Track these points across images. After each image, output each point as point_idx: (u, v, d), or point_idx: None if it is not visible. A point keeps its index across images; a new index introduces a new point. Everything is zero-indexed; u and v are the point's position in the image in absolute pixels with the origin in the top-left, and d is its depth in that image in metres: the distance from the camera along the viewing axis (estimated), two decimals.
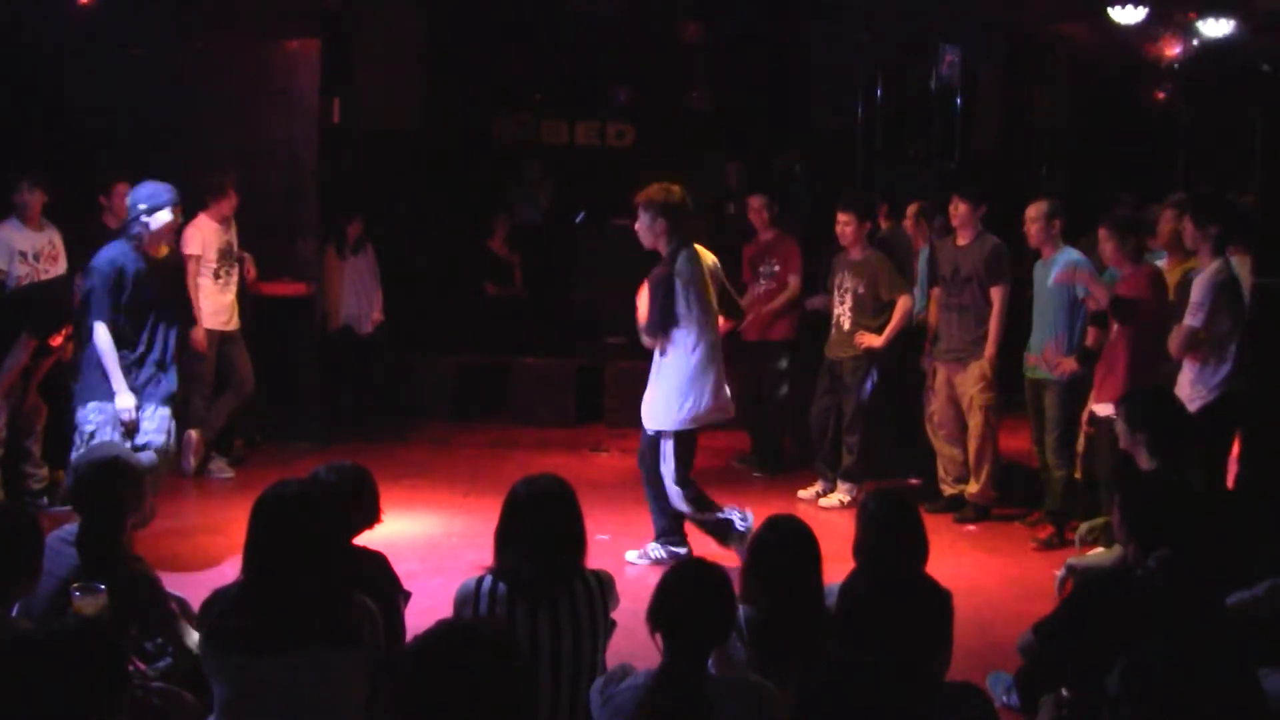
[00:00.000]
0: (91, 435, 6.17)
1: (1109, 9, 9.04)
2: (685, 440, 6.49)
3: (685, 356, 6.44)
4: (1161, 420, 5.28)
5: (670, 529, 6.64)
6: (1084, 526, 6.23)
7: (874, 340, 7.83)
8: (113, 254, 6.24)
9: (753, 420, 8.84)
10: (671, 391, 6.46)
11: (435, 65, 11.60)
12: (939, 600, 3.50)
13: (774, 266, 8.61)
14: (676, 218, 6.48)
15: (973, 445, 7.57)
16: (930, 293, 8.20)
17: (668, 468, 6.48)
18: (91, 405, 6.17)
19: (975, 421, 7.51)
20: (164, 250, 6.53)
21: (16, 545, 3.66)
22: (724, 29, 11.87)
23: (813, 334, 8.47)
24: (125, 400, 6.14)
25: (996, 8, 9.81)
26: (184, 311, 6.87)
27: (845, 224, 7.89)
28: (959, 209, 7.54)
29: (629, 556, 6.64)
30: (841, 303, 7.98)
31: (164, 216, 6.29)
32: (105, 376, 6.16)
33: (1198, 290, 6.10)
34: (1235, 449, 6.29)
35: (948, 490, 7.74)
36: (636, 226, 6.57)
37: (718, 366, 6.54)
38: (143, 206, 6.24)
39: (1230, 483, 6.13)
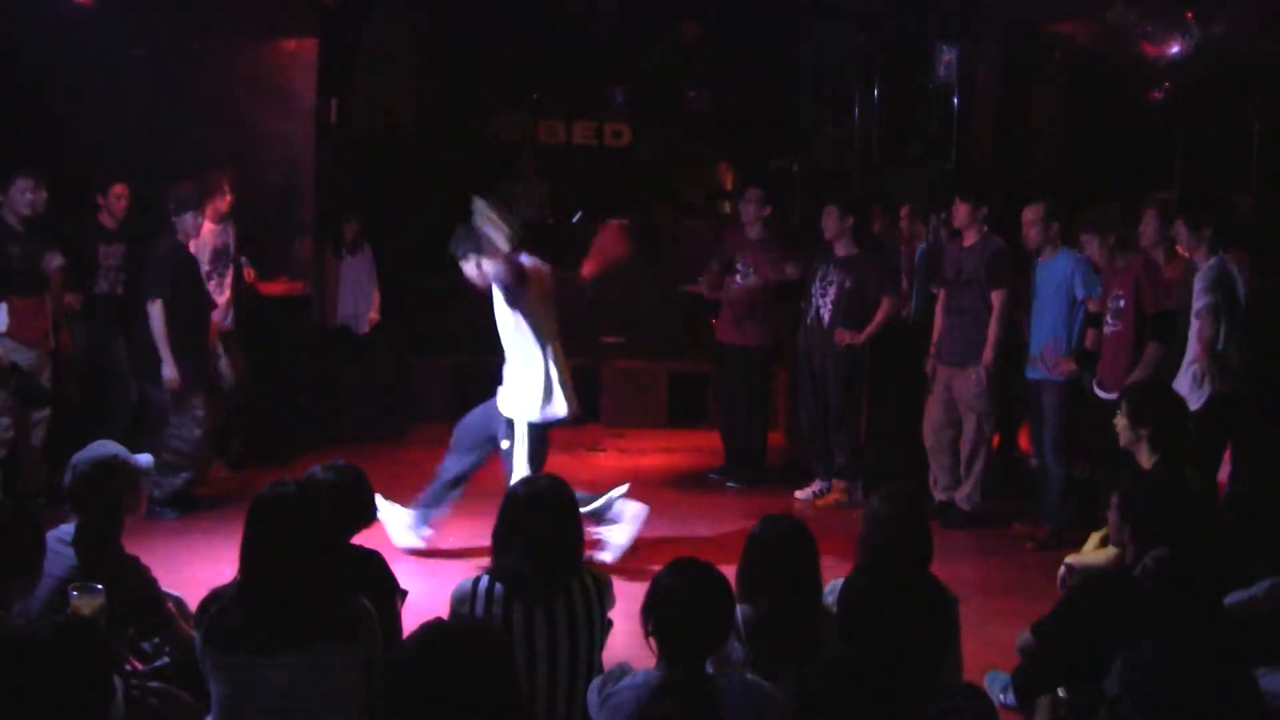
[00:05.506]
0: None
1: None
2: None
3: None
4: (1165, 417, 5.28)
5: None
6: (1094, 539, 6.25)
7: (854, 337, 7.83)
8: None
9: (731, 429, 8.71)
10: None
11: (433, 65, 11.60)
12: (944, 602, 3.49)
13: (751, 267, 8.35)
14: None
15: (965, 450, 7.54)
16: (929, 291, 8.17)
17: None
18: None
19: (969, 426, 7.49)
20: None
21: (18, 544, 3.66)
22: (721, 29, 11.87)
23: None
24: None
25: (993, 7, 9.81)
26: None
27: (826, 215, 7.91)
28: (959, 210, 7.51)
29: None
30: (823, 295, 7.95)
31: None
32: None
33: (1197, 284, 6.18)
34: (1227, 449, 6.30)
35: (938, 496, 7.68)
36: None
37: None
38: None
39: (1222, 482, 6.16)
